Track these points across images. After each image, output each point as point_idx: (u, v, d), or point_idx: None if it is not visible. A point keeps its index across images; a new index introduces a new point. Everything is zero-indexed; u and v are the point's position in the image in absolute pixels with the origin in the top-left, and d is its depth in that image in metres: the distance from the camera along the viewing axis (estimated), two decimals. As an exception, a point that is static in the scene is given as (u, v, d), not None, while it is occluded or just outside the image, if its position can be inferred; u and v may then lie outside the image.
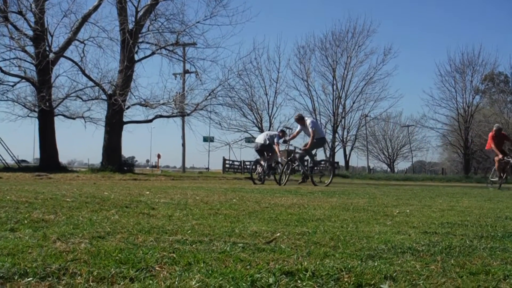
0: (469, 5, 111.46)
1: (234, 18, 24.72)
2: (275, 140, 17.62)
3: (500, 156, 16.21)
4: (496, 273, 2.27)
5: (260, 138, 18.06)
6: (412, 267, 2.35)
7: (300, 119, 16.54)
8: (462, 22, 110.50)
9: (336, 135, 47.77)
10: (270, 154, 17.94)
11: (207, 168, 63.63)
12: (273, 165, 18.03)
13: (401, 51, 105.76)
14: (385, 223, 4.15)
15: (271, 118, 48.60)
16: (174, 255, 2.45)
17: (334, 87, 48.70)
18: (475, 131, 56.42)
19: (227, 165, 46.69)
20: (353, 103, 48.62)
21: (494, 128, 16.79)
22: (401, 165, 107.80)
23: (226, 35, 75.50)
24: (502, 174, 16.37)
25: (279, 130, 20.37)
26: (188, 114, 28.15)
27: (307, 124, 16.07)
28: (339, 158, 64.59)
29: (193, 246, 2.76)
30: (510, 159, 16.11)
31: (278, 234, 3.22)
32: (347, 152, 50.27)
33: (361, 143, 51.12)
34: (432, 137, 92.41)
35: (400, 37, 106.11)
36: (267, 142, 17.88)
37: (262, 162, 17.90)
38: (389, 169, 71.98)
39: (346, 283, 2.03)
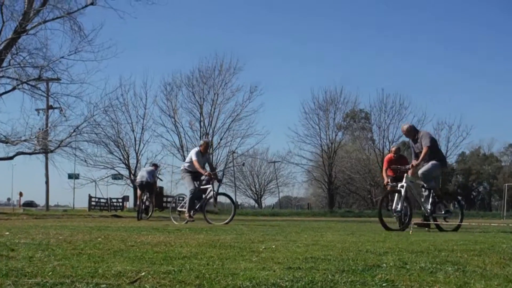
0: (332, 47, 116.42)
1: (99, 54, 24.36)
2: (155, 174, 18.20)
3: (386, 181, 12.93)
4: (354, 306, 2.36)
5: (143, 175, 18.70)
6: (275, 303, 2.40)
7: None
8: (325, 61, 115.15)
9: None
10: (148, 192, 18.55)
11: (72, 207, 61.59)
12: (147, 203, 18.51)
13: (267, 89, 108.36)
14: (251, 259, 4.20)
15: (138, 154, 48.22)
16: (33, 299, 2.36)
17: (202, 123, 49.19)
18: (339, 166, 58.73)
19: (93, 203, 45.48)
20: (221, 139, 49.23)
21: (393, 149, 13.68)
22: (268, 200, 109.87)
23: (91, 71, 72.72)
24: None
25: (151, 164, 20.53)
26: (52, 151, 27.33)
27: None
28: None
29: (54, 288, 2.67)
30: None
31: (143, 274, 3.18)
32: (215, 188, 50.42)
33: (229, 179, 51.58)
34: (298, 172, 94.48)
35: (266, 75, 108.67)
36: (150, 180, 18.48)
37: (144, 198, 18.50)
38: (256, 205, 73.00)
39: (210, 321, 2.04)
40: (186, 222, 13.89)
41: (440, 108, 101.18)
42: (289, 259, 4.27)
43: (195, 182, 14.13)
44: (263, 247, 5.32)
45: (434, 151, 11.28)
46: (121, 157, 47.47)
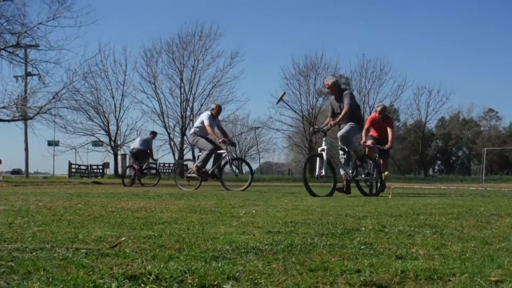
0: (313, 12, 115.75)
1: (78, 20, 24.08)
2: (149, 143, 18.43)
3: (369, 142, 12.12)
4: (334, 269, 2.37)
5: (136, 143, 18.89)
6: (254, 267, 2.41)
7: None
8: (306, 27, 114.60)
9: (185, 138, 47.91)
10: (145, 158, 18.77)
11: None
12: (144, 169, 18.72)
13: (248, 55, 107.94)
14: (231, 224, 4.22)
15: (118, 121, 47.93)
16: (13, 264, 2.35)
17: (182, 89, 48.87)
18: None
19: (73, 170, 45.30)
20: (201, 105, 48.96)
21: (378, 109, 12.58)
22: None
23: (70, 37, 72.50)
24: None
25: (149, 133, 20.61)
26: (31, 118, 27.14)
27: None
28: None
29: (34, 254, 2.66)
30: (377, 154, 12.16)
31: (123, 239, 3.18)
32: (196, 155, 50.39)
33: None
34: (279, 138, 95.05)
35: (247, 41, 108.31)
36: (141, 147, 18.53)
37: (135, 166, 18.60)
38: (237, 171, 73.14)
39: (190, 285, 2.05)
40: (198, 187, 13.56)
41: (420, 73, 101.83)
42: (269, 223, 4.30)
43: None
44: (243, 212, 5.35)
45: (355, 113, 10.77)
46: (101, 124, 47.22)
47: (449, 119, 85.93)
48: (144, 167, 19.21)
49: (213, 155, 13.56)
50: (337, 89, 10.89)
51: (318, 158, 10.34)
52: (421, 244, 3.20)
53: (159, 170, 20.03)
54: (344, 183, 10.81)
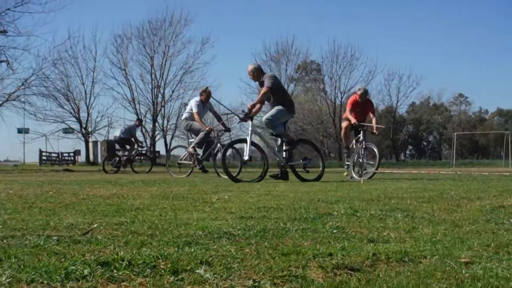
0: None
1: (47, 6, 23.72)
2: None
3: (353, 121, 11.79)
4: (306, 253, 2.39)
5: (118, 131, 19.07)
6: (227, 251, 2.42)
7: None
8: (276, 14, 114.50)
9: (156, 124, 47.71)
10: (129, 146, 18.76)
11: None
12: (132, 156, 18.74)
13: (219, 41, 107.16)
14: (204, 210, 4.22)
15: (89, 108, 47.55)
16: (-17, 252, 2.33)
17: (153, 76, 48.67)
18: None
19: (44, 157, 44.90)
20: (173, 92, 48.79)
21: (359, 92, 12.19)
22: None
23: (38, 23, 71.59)
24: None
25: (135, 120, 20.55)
26: (0, 105, 26.77)
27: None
28: (160, 147, 64.62)
29: (4, 241, 2.63)
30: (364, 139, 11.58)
31: (95, 225, 3.17)
32: (168, 141, 50.22)
33: (182, 131, 51.33)
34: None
35: (218, 27, 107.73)
36: (123, 135, 18.53)
37: (120, 153, 18.66)
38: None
39: (162, 270, 2.04)
40: (189, 174, 13.23)
41: (391, 58, 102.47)
42: (241, 209, 4.31)
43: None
44: (216, 198, 5.35)
45: (282, 96, 10.52)
46: (72, 111, 46.79)
47: (420, 105, 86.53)
48: (133, 153, 19.17)
49: (204, 144, 13.14)
50: (259, 74, 10.62)
51: (245, 144, 10.21)
52: (392, 227, 3.23)
53: (150, 156, 19.99)
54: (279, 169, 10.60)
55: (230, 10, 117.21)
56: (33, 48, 62.96)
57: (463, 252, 2.43)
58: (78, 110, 47.18)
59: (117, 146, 19.90)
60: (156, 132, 48.42)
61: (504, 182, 8.79)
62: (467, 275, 2.01)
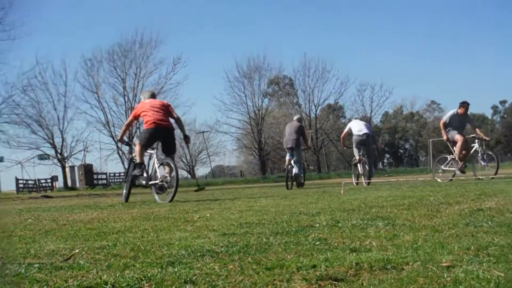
0: (254, 16, 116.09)
1: (12, 33, 23.60)
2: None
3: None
4: (290, 266, 2.39)
5: None
6: (211, 269, 2.41)
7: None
8: (247, 30, 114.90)
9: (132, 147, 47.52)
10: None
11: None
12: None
13: (191, 60, 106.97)
14: (186, 229, 4.21)
15: (63, 133, 47.28)
16: (-37, 284, 2.30)
17: (126, 98, 48.60)
18: (267, 133, 59.06)
19: (21, 185, 44.35)
20: (147, 113, 48.53)
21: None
22: (201, 171, 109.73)
23: (3, 51, 70.61)
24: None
25: None
26: (-29, 134, 26.53)
27: None
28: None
29: (-15, 272, 2.61)
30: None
31: (77, 250, 3.14)
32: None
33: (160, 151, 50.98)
34: (228, 141, 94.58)
35: (189, 46, 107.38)
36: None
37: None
38: (189, 176, 72.75)
39: (147, 291, 2.04)
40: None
41: (362, 70, 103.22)
42: (223, 226, 4.30)
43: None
44: (198, 216, 5.34)
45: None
46: (45, 137, 46.51)
47: (393, 113, 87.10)
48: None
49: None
50: None
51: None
52: (374, 236, 3.25)
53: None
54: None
55: (200, 29, 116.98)
56: (1, 75, 62.60)
57: (444, 256, 2.46)
58: (52, 136, 46.92)
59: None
60: (133, 154, 48.16)
61: (481, 186, 8.87)
62: (449, 278, 2.03)
